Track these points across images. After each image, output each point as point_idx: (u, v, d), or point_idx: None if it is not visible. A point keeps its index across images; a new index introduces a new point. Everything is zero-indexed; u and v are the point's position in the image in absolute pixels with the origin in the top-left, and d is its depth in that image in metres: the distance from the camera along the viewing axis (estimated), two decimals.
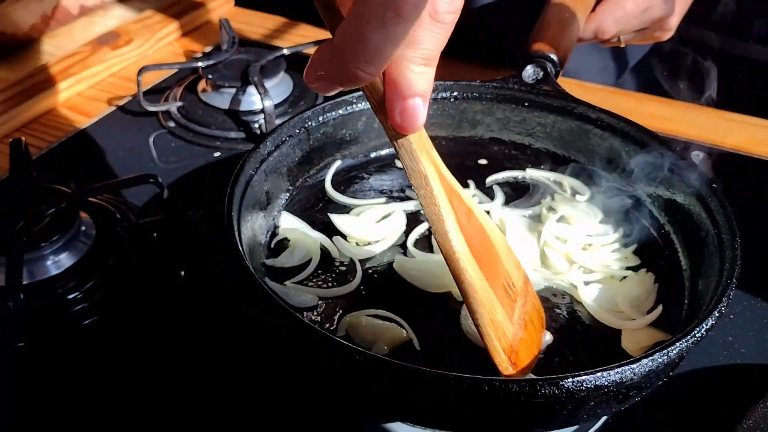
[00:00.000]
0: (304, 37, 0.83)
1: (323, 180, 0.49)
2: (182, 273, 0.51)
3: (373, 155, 0.52)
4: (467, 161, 0.51)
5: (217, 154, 0.63)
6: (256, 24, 0.85)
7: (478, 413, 0.31)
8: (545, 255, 0.44)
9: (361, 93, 0.49)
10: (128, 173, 0.57)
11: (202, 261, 0.52)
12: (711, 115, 0.68)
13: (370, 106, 0.31)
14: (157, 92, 0.71)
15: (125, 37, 0.79)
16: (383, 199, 0.49)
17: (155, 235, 0.53)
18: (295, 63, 0.71)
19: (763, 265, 0.49)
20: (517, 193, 0.50)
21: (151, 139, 0.66)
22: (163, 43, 0.81)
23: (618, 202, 0.48)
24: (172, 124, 0.67)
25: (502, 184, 0.50)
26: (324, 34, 0.81)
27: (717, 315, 0.33)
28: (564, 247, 0.44)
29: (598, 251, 0.44)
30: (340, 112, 0.49)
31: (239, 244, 0.36)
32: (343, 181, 0.50)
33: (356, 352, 0.30)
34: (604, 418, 0.40)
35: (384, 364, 0.30)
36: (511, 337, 0.35)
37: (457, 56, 0.69)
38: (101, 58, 0.76)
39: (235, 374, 0.44)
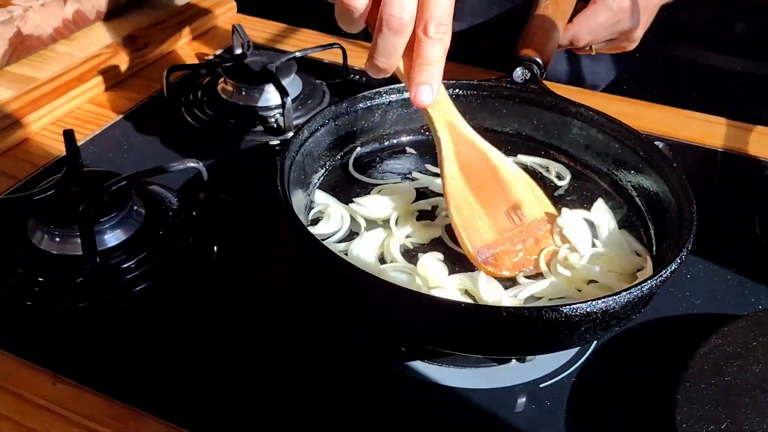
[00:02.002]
0: (304, 41, 0.91)
1: (347, 163, 0.58)
2: (215, 248, 0.59)
3: (386, 143, 0.60)
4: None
5: (239, 145, 0.71)
6: (259, 29, 0.93)
7: (493, 336, 0.40)
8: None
9: (376, 91, 0.58)
10: (155, 163, 0.64)
11: (235, 236, 0.60)
12: (669, 113, 0.79)
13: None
14: (177, 91, 0.78)
15: (142, 40, 0.86)
16: (398, 179, 0.57)
17: (194, 213, 0.61)
18: (303, 65, 0.79)
19: (712, 235, 0.59)
20: None
21: (174, 133, 0.73)
22: (176, 47, 0.89)
23: (596, 183, 0.57)
24: (194, 119, 0.74)
25: None
26: (323, 38, 0.89)
27: (679, 261, 0.42)
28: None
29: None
30: (360, 106, 0.58)
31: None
32: (364, 164, 0.59)
33: (414, 293, 0.39)
34: (586, 355, 0.49)
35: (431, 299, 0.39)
36: (489, 241, 0.48)
37: (459, 61, 0.79)
38: (123, 59, 0.82)
39: (272, 329, 0.52)
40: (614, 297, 0.39)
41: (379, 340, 0.49)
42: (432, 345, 0.44)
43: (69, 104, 0.76)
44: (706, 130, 0.76)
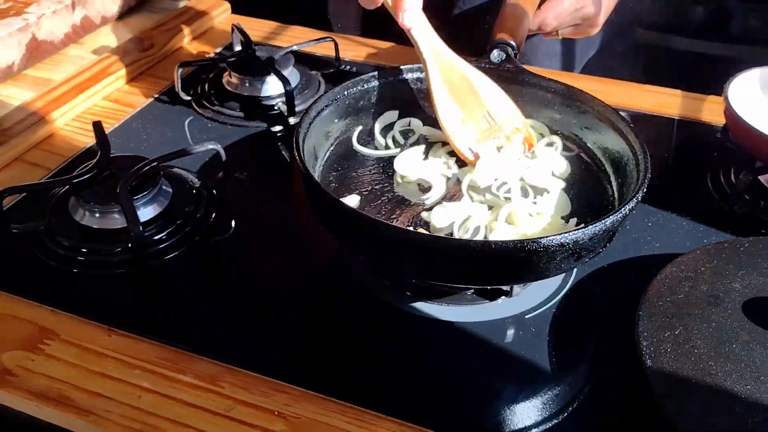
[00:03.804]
0: (296, 37, 0.98)
1: (350, 138, 0.66)
2: (233, 221, 0.66)
3: (382, 120, 0.68)
4: None
5: (246, 132, 0.79)
6: (254, 28, 1.01)
7: (486, 267, 0.48)
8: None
9: (371, 75, 0.66)
10: (172, 150, 0.70)
11: (249, 210, 0.67)
12: (631, 87, 0.88)
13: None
14: (184, 86, 0.85)
15: (147, 41, 0.94)
16: (398, 150, 0.65)
17: (214, 191, 0.68)
18: (298, 58, 0.87)
19: (670, 190, 0.68)
20: None
21: (186, 123, 0.81)
22: (178, 46, 0.96)
23: (566, 147, 0.65)
24: (203, 110, 0.82)
25: None
26: (313, 34, 0.97)
27: (637, 200, 0.51)
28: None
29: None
30: (358, 88, 0.66)
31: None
32: (365, 139, 0.67)
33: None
34: (564, 291, 0.58)
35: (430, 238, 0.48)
36: (472, 139, 0.61)
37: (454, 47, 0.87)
38: (131, 59, 0.89)
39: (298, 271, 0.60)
40: (583, 230, 0.48)
41: (388, 285, 0.58)
42: (435, 280, 0.52)
43: (87, 102, 0.83)
44: (664, 101, 0.85)
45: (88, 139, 0.77)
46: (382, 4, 0.60)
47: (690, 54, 1.70)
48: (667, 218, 0.66)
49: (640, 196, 0.51)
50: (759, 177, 0.68)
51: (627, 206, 0.50)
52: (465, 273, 0.49)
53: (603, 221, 0.48)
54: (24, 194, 0.66)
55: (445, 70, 0.63)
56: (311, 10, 1.13)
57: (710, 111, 0.83)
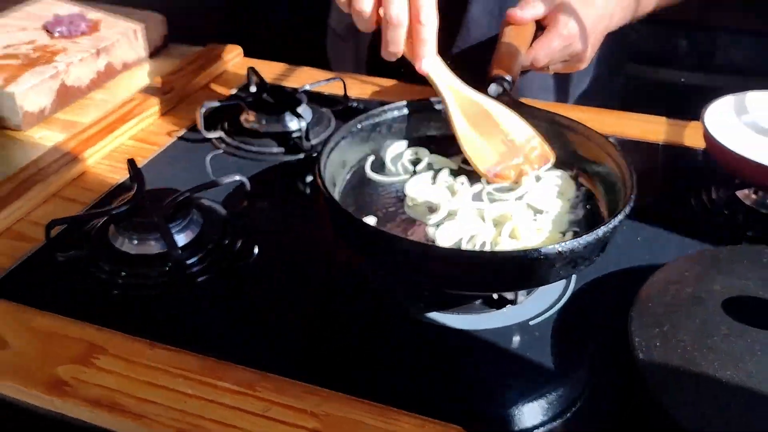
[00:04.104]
0: (304, 77, 1.05)
1: (364, 166, 0.72)
2: (255, 248, 0.72)
3: (392, 150, 0.75)
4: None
5: (263, 165, 0.85)
6: (265, 70, 1.08)
7: (493, 275, 0.54)
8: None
9: (380, 110, 0.73)
10: (198, 182, 0.76)
11: (271, 238, 0.73)
12: (620, 116, 0.95)
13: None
14: (206, 124, 0.92)
15: (167, 86, 1.01)
16: (408, 176, 0.72)
17: (239, 220, 0.74)
18: (309, 97, 0.94)
19: (657, 208, 0.74)
20: None
21: (208, 159, 0.87)
22: (196, 89, 1.03)
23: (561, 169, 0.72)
24: (224, 146, 0.88)
25: None
26: (321, 74, 1.05)
27: (625, 213, 0.57)
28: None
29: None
30: (369, 121, 0.72)
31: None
32: (378, 167, 0.73)
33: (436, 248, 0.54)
34: (564, 299, 0.64)
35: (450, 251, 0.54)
36: (493, 162, 0.69)
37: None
38: (154, 102, 0.96)
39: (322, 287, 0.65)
40: (578, 240, 0.54)
41: (406, 298, 0.63)
42: (448, 288, 0.58)
43: (115, 141, 0.89)
44: (650, 128, 0.92)
45: (119, 176, 0.83)
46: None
47: (676, 84, 1.79)
48: (655, 232, 0.72)
49: (627, 209, 0.58)
50: (736, 193, 0.74)
51: (616, 219, 0.56)
52: (475, 281, 0.55)
53: (595, 232, 0.55)
54: (66, 225, 0.71)
55: (463, 105, 0.71)
56: (313, 53, 1.21)
57: (692, 136, 0.90)
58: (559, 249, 0.53)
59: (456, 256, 0.53)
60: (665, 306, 0.56)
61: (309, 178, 0.83)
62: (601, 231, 0.55)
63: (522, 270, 0.54)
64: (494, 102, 0.72)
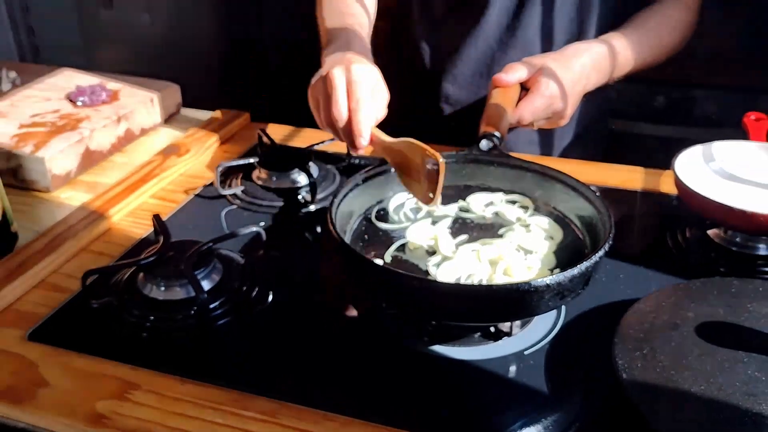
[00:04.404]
0: (309, 138, 1.14)
1: (370, 215, 0.80)
2: (270, 294, 0.79)
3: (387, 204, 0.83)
4: (456, 195, 0.83)
5: (275, 217, 0.92)
6: (271, 132, 1.16)
7: (490, 307, 0.61)
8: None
9: (383, 167, 0.81)
10: (216, 235, 0.83)
11: (289, 281, 0.80)
12: (600, 168, 1.03)
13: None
14: (221, 182, 1.00)
15: (183, 148, 1.09)
16: (409, 223, 0.79)
17: (257, 268, 0.81)
18: (316, 155, 1.02)
19: (637, 249, 0.82)
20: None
21: (223, 213, 0.94)
22: (210, 151, 1.11)
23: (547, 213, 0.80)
24: (238, 201, 0.96)
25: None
26: (323, 135, 1.13)
27: (605, 250, 0.64)
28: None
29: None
30: (374, 175, 0.80)
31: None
32: (382, 216, 0.81)
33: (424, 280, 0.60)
34: (555, 331, 0.70)
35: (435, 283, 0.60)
36: (424, 189, 0.74)
37: (442, 143, 1.03)
38: (171, 163, 1.04)
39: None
40: (564, 274, 0.61)
41: (411, 333, 0.70)
42: (449, 320, 0.64)
43: (137, 200, 0.97)
44: (629, 177, 1.00)
45: (142, 231, 0.91)
46: None
47: (656, 137, 1.90)
48: (635, 270, 0.80)
49: (606, 246, 0.65)
50: (708, 232, 0.82)
51: (596, 255, 0.63)
52: (473, 312, 0.62)
53: (579, 267, 0.62)
54: (99, 275, 0.78)
55: (391, 153, 0.79)
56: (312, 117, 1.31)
57: (667, 183, 0.98)
58: (548, 282, 0.60)
59: (456, 290, 0.60)
60: (644, 332, 0.63)
61: (318, 229, 0.91)
62: (584, 265, 0.62)
63: (515, 301, 0.61)
64: (405, 142, 0.76)
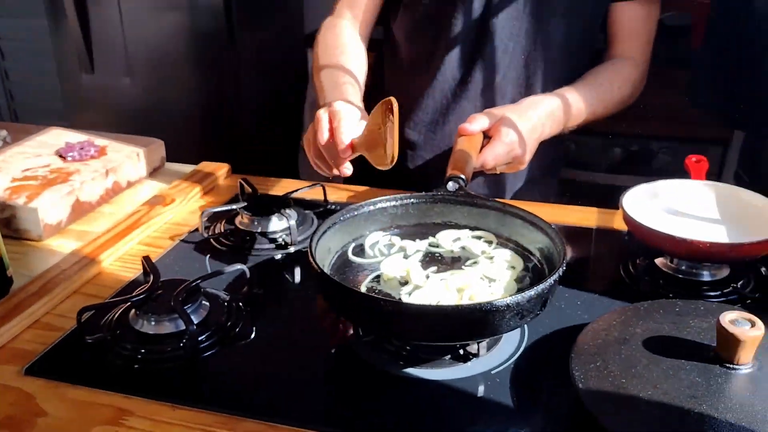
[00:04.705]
0: (287, 187, 1.21)
1: (347, 251, 0.86)
2: (254, 328, 0.84)
3: (369, 238, 0.89)
4: (427, 232, 0.90)
5: (257, 260, 0.98)
6: (252, 182, 1.23)
7: (456, 326, 0.67)
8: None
9: (358, 205, 0.88)
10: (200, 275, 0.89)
11: (266, 319, 0.86)
12: (556, 208, 1.11)
13: None
14: (205, 228, 1.06)
15: (168, 198, 1.15)
16: (382, 258, 0.86)
17: (241, 304, 0.87)
18: (294, 202, 1.09)
19: (592, 279, 0.89)
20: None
21: (207, 257, 1.00)
22: (194, 200, 1.17)
23: (511, 247, 0.87)
24: (222, 245, 1.02)
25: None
26: (299, 184, 1.20)
27: (559, 274, 0.71)
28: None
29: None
30: (349, 215, 0.87)
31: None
32: (356, 252, 0.87)
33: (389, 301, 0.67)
34: (519, 353, 0.76)
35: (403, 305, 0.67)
36: (388, 153, 0.82)
37: (404, 186, 1.11)
38: (158, 212, 1.10)
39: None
40: (522, 295, 0.68)
41: (386, 357, 0.76)
42: (419, 340, 0.70)
43: (125, 246, 1.02)
44: (584, 216, 1.09)
45: (131, 274, 0.96)
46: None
47: (607, 186, 2.01)
48: (591, 297, 0.87)
49: (560, 272, 0.72)
50: (655, 261, 0.89)
51: (551, 278, 0.70)
52: (441, 332, 0.68)
53: (535, 289, 0.69)
54: (94, 311, 0.83)
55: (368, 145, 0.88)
56: (288, 167, 1.39)
57: (618, 221, 1.06)
58: (508, 302, 0.67)
59: (426, 311, 0.67)
60: (598, 347, 0.70)
61: (297, 269, 0.97)
62: (540, 288, 0.69)
63: (479, 320, 0.67)
64: (370, 119, 0.86)
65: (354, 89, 1.07)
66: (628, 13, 1.17)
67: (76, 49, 2.14)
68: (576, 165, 2.14)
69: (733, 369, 0.64)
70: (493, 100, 1.17)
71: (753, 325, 0.63)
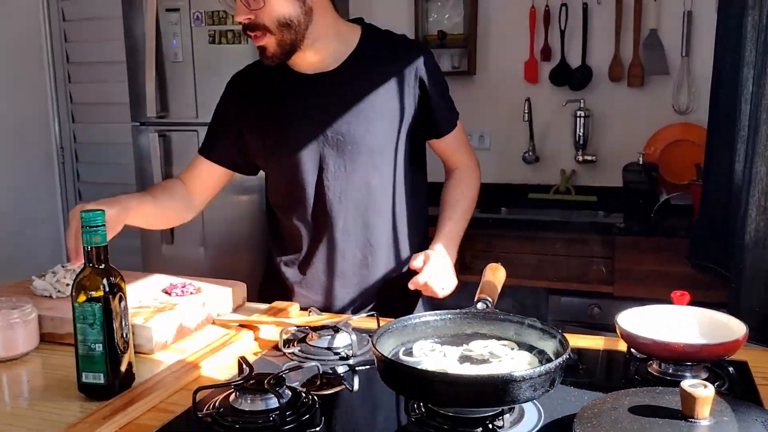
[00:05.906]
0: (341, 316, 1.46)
1: (398, 353, 1.10)
2: (323, 417, 1.06)
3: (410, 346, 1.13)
4: (461, 341, 1.13)
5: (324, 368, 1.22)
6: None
7: (482, 392, 0.89)
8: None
9: (408, 318, 1.13)
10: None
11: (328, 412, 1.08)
12: (570, 336, 1.34)
13: None
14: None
15: (251, 325, 1.41)
16: (426, 357, 1.09)
17: (315, 397, 1.09)
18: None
19: (601, 386, 1.11)
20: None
21: (284, 365, 1.24)
22: (271, 327, 1.43)
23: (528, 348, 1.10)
24: (296, 357, 1.26)
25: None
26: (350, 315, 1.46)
27: (564, 358, 0.94)
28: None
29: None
30: (394, 326, 1.12)
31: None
32: (406, 354, 1.11)
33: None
34: (538, 427, 0.97)
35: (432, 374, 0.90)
36: None
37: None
38: (243, 335, 1.36)
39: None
40: (533, 370, 0.90)
41: (433, 429, 0.97)
42: (457, 405, 0.92)
43: (219, 359, 1.27)
44: (594, 343, 1.31)
45: (223, 377, 1.20)
46: None
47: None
48: (596, 395, 1.07)
49: (565, 356, 0.95)
50: (648, 369, 1.11)
51: (558, 360, 0.93)
52: (469, 398, 0.91)
53: (545, 366, 0.92)
54: (209, 390, 1.07)
55: None
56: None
57: (623, 344, 1.28)
58: (523, 374, 0.90)
59: (458, 378, 0.90)
60: (594, 413, 0.91)
61: (356, 378, 1.20)
62: (549, 366, 0.92)
63: (500, 389, 0.89)
64: None
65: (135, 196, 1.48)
66: (446, 139, 1.54)
67: None
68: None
69: (695, 422, 0.84)
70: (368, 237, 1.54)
71: (706, 387, 0.85)
